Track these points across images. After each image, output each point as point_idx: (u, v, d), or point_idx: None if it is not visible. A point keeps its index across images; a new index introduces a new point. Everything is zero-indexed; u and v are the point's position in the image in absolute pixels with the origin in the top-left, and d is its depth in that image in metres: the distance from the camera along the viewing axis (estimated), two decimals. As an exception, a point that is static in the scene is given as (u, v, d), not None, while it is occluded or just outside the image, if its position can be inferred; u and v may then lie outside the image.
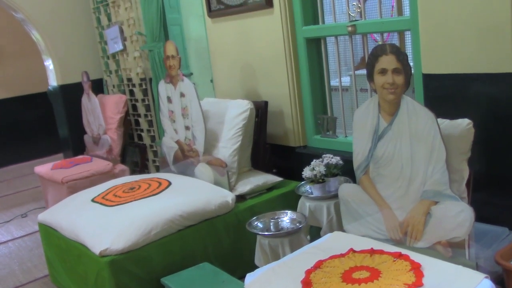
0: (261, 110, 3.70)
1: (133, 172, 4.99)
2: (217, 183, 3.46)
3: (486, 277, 1.99)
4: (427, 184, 2.35)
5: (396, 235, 2.46)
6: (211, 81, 4.62)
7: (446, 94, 2.65)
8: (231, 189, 3.40)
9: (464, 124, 2.33)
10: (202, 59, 5.04)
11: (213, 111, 3.70)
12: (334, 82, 3.88)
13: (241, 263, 3.18)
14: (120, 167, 4.87)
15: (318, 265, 2.26)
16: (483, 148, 2.50)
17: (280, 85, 3.78)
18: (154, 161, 5.29)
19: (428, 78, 2.72)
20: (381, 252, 2.29)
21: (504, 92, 2.43)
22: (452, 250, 2.27)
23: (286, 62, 3.69)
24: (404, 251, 2.25)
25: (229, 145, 3.49)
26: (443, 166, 2.28)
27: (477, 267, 2.17)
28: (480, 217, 2.32)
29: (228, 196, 3.26)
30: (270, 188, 3.55)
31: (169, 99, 3.88)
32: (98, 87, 5.67)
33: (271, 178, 3.55)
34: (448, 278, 2.01)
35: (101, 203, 3.30)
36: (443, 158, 2.28)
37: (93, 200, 3.39)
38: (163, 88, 3.92)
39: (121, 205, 3.19)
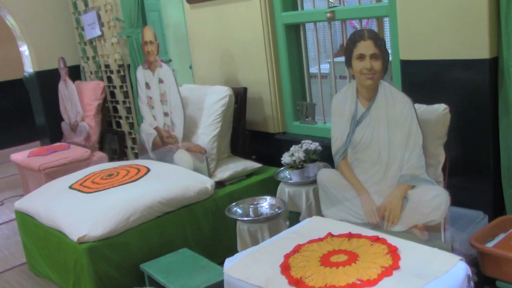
0: (240, 97, 3.69)
1: (111, 159, 4.94)
2: (196, 169, 3.46)
3: (461, 260, 2.02)
4: (404, 169, 2.38)
5: (374, 219, 2.49)
6: (190, 67, 4.59)
7: (423, 80, 2.68)
8: (210, 175, 3.40)
9: (440, 109, 2.36)
10: (181, 45, 5.00)
11: (192, 97, 3.68)
12: (313, 69, 3.89)
13: (220, 248, 3.19)
14: (99, 154, 4.82)
15: (297, 249, 2.27)
16: (459, 133, 2.54)
17: (259, 72, 3.77)
18: (132, 148, 5.25)
19: (406, 64, 2.75)
20: (358, 236, 2.32)
21: (480, 78, 2.46)
22: (428, 234, 2.31)
23: (266, 49, 3.68)
24: (381, 235, 2.28)
25: (208, 131, 3.48)
26: (420, 150, 2.31)
27: (452, 250, 2.21)
28: (455, 201, 2.36)
29: (207, 182, 3.26)
30: (250, 174, 3.56)
31: (147, 85, 3.85)
32: (75, 73, 5.57)
33: (250, 164, 3.56)
34: (424, 261, 2.04)
35: (79, 190, 3.27)
36: (419, 143, 2.30)
37: (70, 187, 3.35)
38: (141, 74, 3.88)
39: (99, 192, 3.17)
